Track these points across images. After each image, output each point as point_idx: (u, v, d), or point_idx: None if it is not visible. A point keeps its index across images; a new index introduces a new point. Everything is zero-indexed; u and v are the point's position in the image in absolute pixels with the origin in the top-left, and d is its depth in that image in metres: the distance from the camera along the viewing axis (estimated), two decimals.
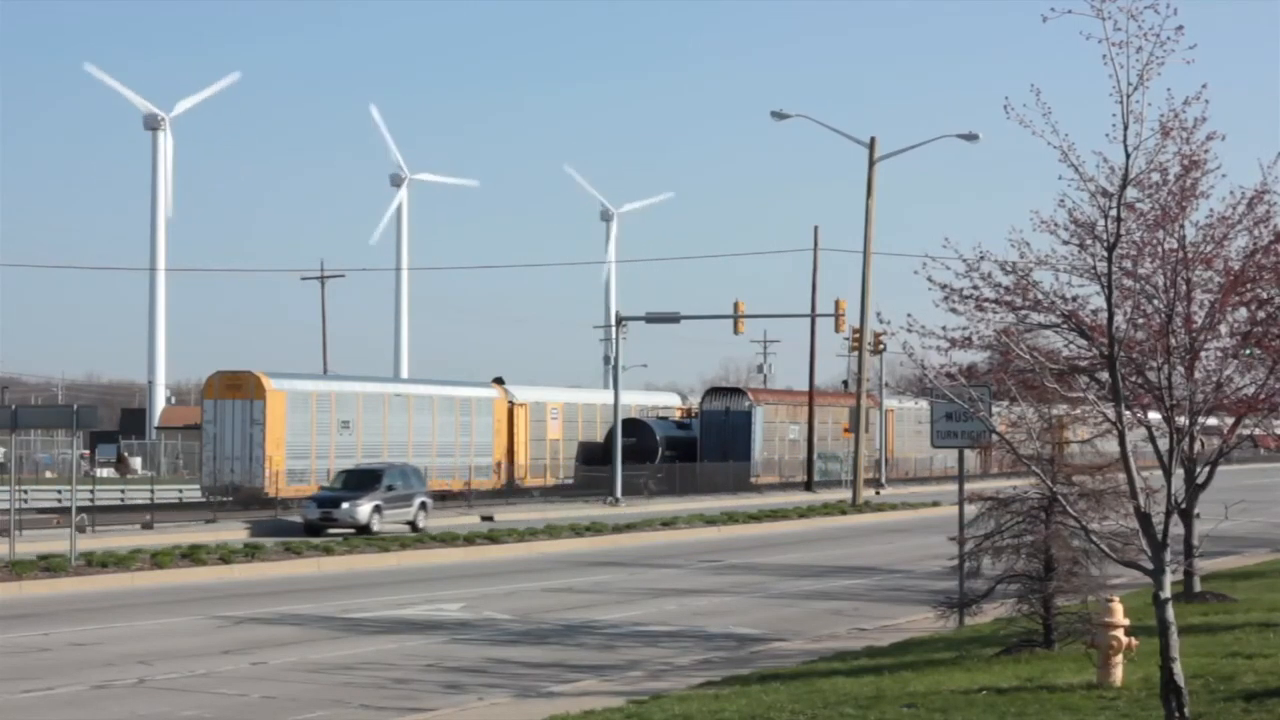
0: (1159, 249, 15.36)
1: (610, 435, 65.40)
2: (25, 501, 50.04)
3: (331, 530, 42.60)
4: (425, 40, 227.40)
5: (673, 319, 67.27)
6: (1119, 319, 14.18)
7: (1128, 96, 12.76)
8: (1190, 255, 16.92)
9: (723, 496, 64.71)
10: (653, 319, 68.88)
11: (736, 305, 65.39)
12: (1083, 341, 15.99)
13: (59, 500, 56.17)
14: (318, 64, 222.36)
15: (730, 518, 49.16)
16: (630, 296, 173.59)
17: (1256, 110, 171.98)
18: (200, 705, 17.24)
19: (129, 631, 23.95)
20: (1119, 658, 16.32)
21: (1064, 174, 13.74)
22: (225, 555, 33.72)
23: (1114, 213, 13.44)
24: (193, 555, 33.22)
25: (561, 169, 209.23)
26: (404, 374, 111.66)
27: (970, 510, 20.77)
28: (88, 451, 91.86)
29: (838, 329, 66.30)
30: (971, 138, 60.41)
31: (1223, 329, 18.29)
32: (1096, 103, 13.78)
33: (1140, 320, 15.41)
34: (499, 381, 68.66)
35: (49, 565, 30.66)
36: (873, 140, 60.15)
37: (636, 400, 78.19)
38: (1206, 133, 14.29)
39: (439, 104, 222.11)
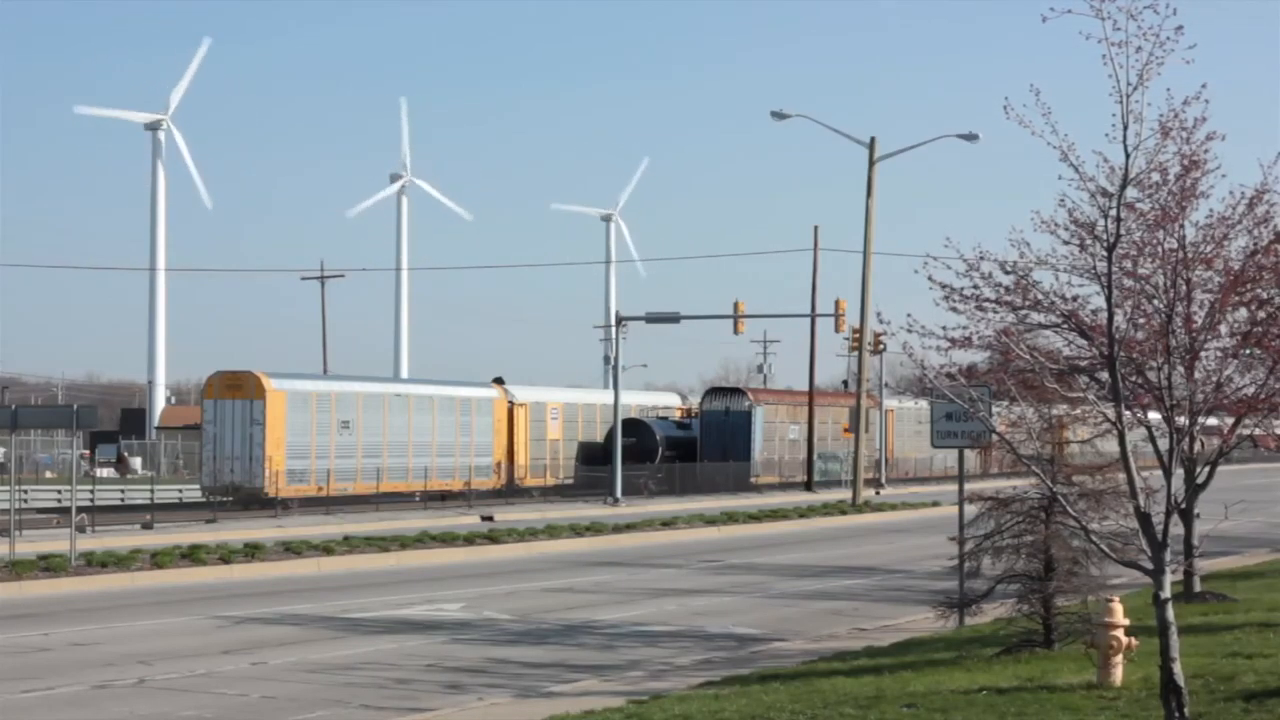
0: (1159, 249, 15.32)
1: (610, 435, 65.41)
2: (25, 501, 50.06)
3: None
4: (425, 40, 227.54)
5: (673, 319, 67.29)
6: (1119, 319, 14.16)
7: (1127, 96, 12.76)
8: (1190, 255, 16.87)
9: (723, 496, 64.72)
10: (653, 319, 68.92)
11: (736, 305, 65.45)
12: (1083, 341, 15.96)
13: (59, 500, 56.22)
14: (318, 63, 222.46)
15: (730, 518, 49.15)
16: (630, 296, 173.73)
17: (1256, 110, 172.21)
18: (200, 705, 17.24)
19: (129, 631, 23.95)
20: (1119, 658, 16.31)
21: (1064, 174, 13.74)
22: (225, 555, 33.72)
23: (1114, 213, 13.44)
24: (193, 555, 33.21)
25: (564, 169, 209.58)
26: (404, 374, 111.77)
27: (970, 510, 20.76)
28: (88, 451, 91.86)
29: (838, 329, 66.38)
30: (971, 138, 60.41)
31: (1223, 329, 18.23)
32: (1096, 103, 13.78)
33: (1140, 320, 15.37)
34: (499, 381, 68.66)
35: (49, 565, 30.65)
36: (873, 140, 60.18)
37: (636, 400, 78.20)
38: (1206, 133, 14.26)
39: (439, 104, 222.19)
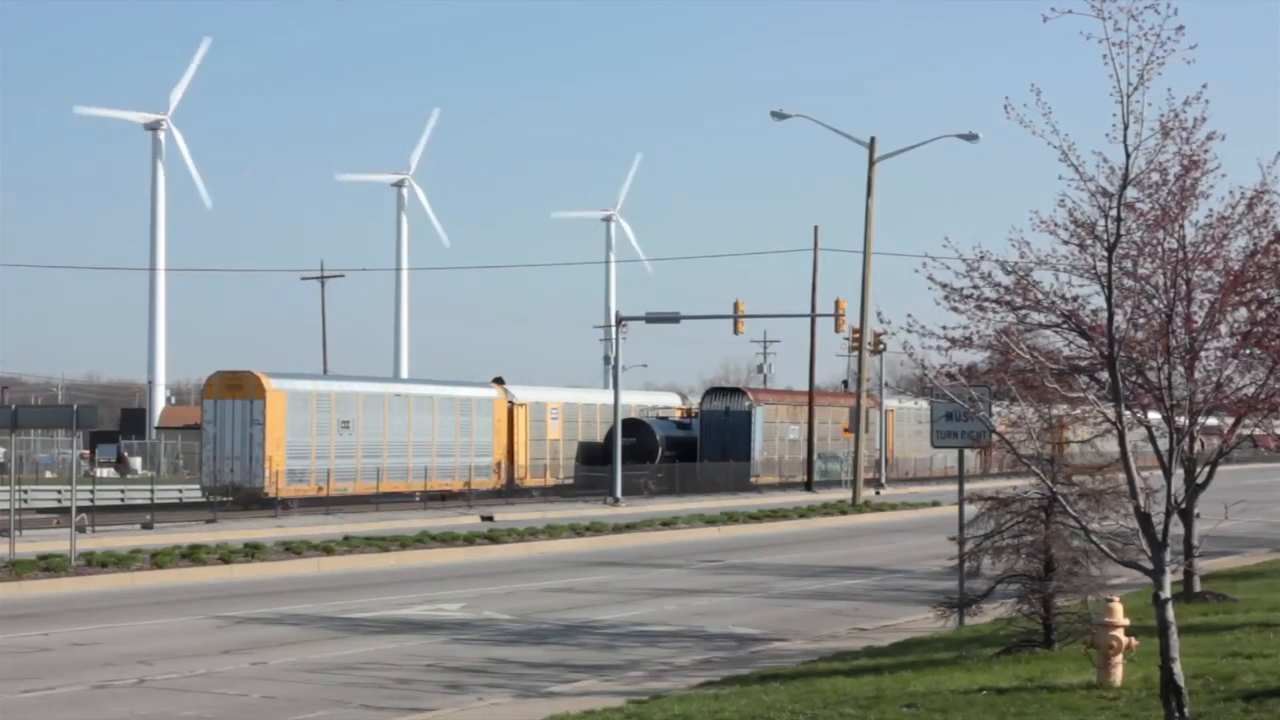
0: (1159, 249, 15.32)
1: (610, 435, 65.40)
2: (25, 501, 50.05)
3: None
4: (425, 40, 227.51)
5: (673, 319, 67.29)
6: (1119, 319, 14.16)
7: (1128, 96, 12.76)
8: (1190, 255, 16.88)
9: (723, 496, 64.71)
10: (653, 319, 68.92)
11: (736, 305, 65.45)
12: (1083, 341, 15.97)
13: (59, 500, 56.21)
14: (318, 63, 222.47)
15: (730, 518, 49.14)
16: (630, 296, 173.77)
17: (1256, 110, 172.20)
18: (200, 705, 17.24)
19: (129, 631, 23.95)
20: (1119, 658, 16.31)
21: (1064, 174, 13.74)
22: (225, 555, 33.71)
23: (1114, 213, 13.44)
24: (193, 555, 33.21)
25: (564, 169, 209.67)
26: (404, 374, 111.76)
27: (970, 510, 20.76)
28: (88, 451, 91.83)
29: (838, 329, 66.39)
30: (971, 138, 60.40)
31: (1223, 329, 18.24)
32: (1096, 103, 13.79)
33: (1140, 320, 15.37)
34: (499, 381, 68.65)
35: (49, 565, 30.64)
36: (873, 140, 60.18)
37: (636, 400, 78.18)
38: (1206, 133, 14.27)
39: (438, 104, 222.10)
